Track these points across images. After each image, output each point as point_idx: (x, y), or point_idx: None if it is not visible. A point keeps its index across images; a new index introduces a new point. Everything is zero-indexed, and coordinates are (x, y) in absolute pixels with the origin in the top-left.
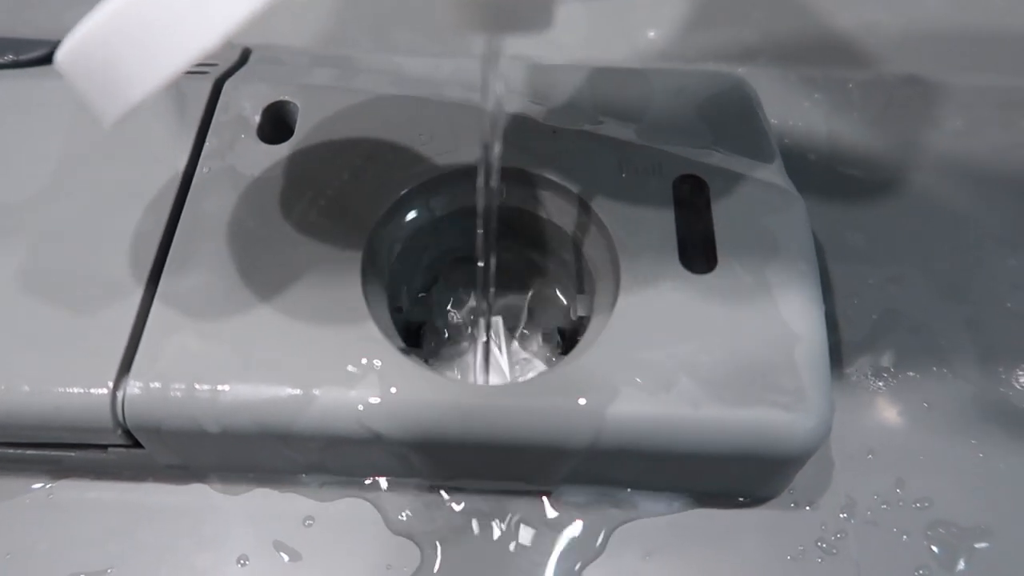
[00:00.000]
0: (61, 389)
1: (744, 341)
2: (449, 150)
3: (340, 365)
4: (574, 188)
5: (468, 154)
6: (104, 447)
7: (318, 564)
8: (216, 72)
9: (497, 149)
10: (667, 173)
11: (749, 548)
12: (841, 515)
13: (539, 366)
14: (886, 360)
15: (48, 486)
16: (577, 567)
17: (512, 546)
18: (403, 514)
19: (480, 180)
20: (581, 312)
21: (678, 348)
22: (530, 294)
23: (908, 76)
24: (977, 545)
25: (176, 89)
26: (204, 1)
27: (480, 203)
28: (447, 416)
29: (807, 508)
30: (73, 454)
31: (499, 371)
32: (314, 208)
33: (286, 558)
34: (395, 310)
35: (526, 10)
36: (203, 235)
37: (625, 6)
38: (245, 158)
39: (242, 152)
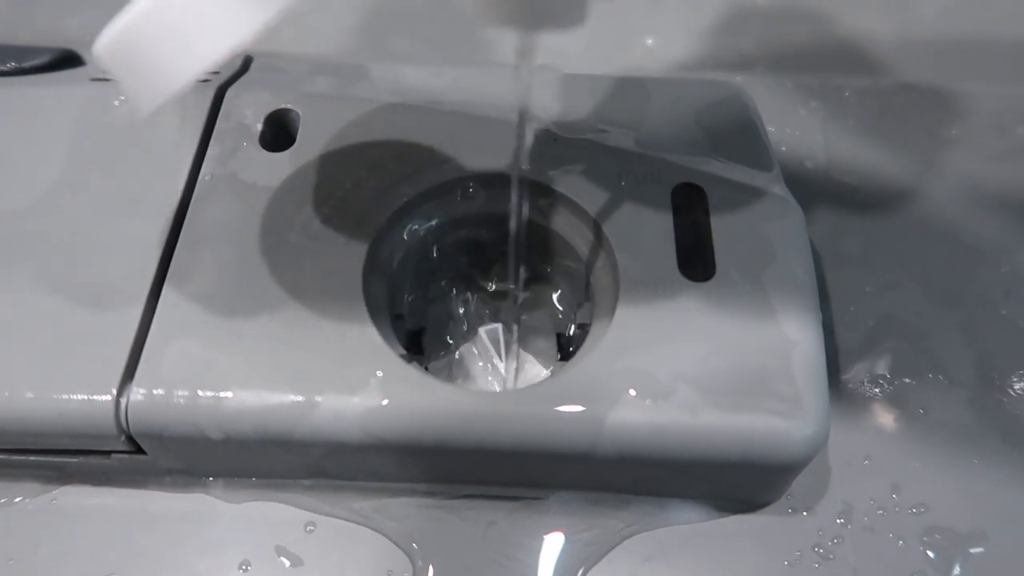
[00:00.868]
0: (65, 396)
1: (742, 348)
2: (450, 159)
3: (342, 372)
4: (574, 196)
5: (469, 162)
6: (107, 453)
7: (319, 570)
8: (218, 80)
9: (527, 146)
10: (666, 181)
11: (747, 554)
12: (838, 521)
13: (539, 373)
14: (882, 367)
15: (51, 492)
16: (578, 572)
17: (511, 552)
18: (403, 520)
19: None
20: (581, 319)
21: (677, 356)
22: (530, 302)
23: (904, 84)
24: (972, 550)
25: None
26: None
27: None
28: (447, 423)
29: (804, 514)
30: (76, 460)
31: (499, 378)
32: (316, 216)
33: (288, 564)
34: (396, 317)
35: (560, 6)
36: (206, 242)
37: (623, 14)
38: (247, 166)
39: (244, 160)
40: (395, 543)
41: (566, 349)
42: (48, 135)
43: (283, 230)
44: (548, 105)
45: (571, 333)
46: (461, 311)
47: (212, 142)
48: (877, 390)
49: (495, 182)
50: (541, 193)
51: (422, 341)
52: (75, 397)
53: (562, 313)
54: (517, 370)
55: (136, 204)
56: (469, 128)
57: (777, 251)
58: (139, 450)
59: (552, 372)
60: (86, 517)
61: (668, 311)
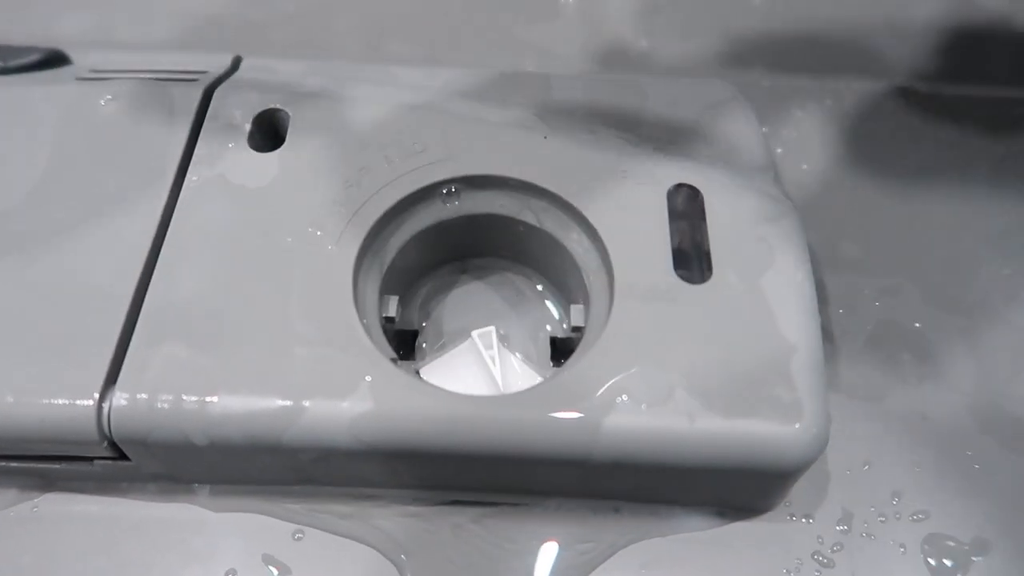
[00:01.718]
0: (45, 400)
1: (740, 352)
2: (442, 160)
3: (331, 376)
4: (567, 197)
5: (461, 164)
6: (90, 460)
7: None
8: (206, 79)
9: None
10: (662, 182)
11: (746, 562)
12: (838, 528)
13: (532, 376)
14: (882, 372)
15: (33, 499)
16: None
17: (503, 561)
18: (394, 527)
19: None
20: (575, 322)
21: (673, 360)
22: (523, 304)
23: (901, 85)
24: (975, 558)
25: (166, 96)
26: None
27: None
28: (438, 428)
29: (804, 521)
30: (58, 466)
31: (491, 382)
32: (306, 218)
33: (276, 572)
34: (386, 320)
35: None
36: (192, 244)
37: (618, 16)
38: (235, 166)
39: (232, 160)
40: (383, 553)
41: (560, 353)
42: (33, 134)
43: (271, 232)
44: (541, 106)
45: (565, 336)
46: (453, 313)
47: (200, 142)
48: (876, 396)
49: (487, 183)
50: (534, 194)
51: (413, 344)
52: (56, 402)
53: (556, 316)
54: (510, 374)
55: (121, 205)
56: (462, 129)
57: (775, 253)
58: (123, 456)
59: (545, 376)
60: (69, 525)
61: (664, 314)
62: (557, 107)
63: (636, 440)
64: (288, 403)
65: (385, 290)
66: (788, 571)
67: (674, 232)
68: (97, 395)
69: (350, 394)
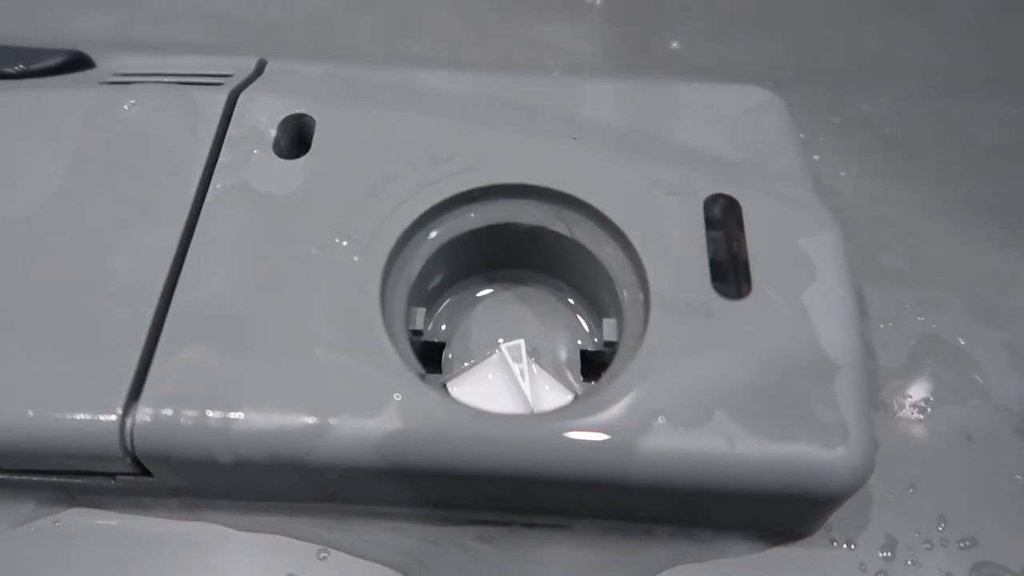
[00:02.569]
0: (68, 415)
1: (781, 372)
2: (471, 168)
3: (358, 393)
4: (601, 207)
5: (490, 173)
6: (112, 475)
7: None
8: (231, 84)
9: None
10: (698, 192)
11: None
12: (881, 555)
13: (562, 391)
14: (925, 389)
15: (54, 514)
16: None
17: None
18: (422, 547)
19: None
20: (608, 337)
21: (712, 379)
22: (554, 317)
23: (944, 91)
24: None
25: (190, 101)
26: None
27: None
28: (468, 449)
29: (845, 547)
30: (80, 481)
31: (520, 397)
32: (331, 227)
33: None
34: (414, 333)
35: None
36: (217, 254)
37: (646, 16)
38: (260, 173)
39: (257, 167)
40: (412, 571)
41: (590, 367)
42: (56, 139)
43: (297, 242)
44: (572, 111)
45: (596, 350)
46: (480, 325)
47: (224, 149)
48: (919, 414)
49: (517, 192)
50: (566, 204)
51: (440, 357)
52: (78, 417)
53: (587, 329)
54: (539, 388)
55: (145, 213)
56: (490, 135)
57: (816, 268)
58: (145, 472)
59: (576, 391)
60: (90, 540)
61: (702, 331)
62: (588, 112)
63: (674, 464)
64: (315, 421)
65: (412, 302)
66: None
67: (711, 244)
68: (120, 410)
69: (378, 412)
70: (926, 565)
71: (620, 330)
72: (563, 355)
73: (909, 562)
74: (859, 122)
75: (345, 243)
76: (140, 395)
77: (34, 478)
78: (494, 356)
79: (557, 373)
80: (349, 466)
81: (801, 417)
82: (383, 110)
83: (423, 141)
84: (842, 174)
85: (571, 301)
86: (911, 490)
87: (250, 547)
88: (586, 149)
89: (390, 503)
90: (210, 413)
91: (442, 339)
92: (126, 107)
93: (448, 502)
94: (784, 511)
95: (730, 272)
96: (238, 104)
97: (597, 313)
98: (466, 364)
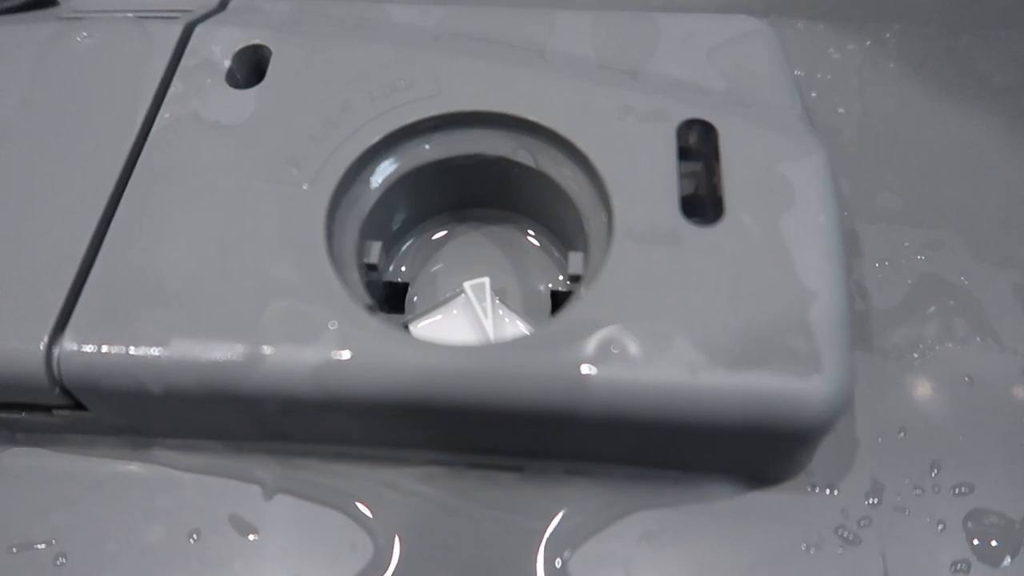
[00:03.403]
0: None
1: (751, 300)
2: (431, 95)
3: (295, 322)
4: (566, 134)
5: (451, 100)
6: (48, 409)
7: (276, 541)
8: (188, 17)
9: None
10: (671, 117)
11: (759, 535)
12: (866, 500)
13: (525, 330)
14: (922, 329)
15: None
16: (564, 553)
17: (486, 529)
18: (367, 488)
19: None
20: (572, 270)
21: (674, 307)
22: (520, 253)
23: (950, 26)
24: None
25: (144, 33)
26: None
27: None
28: (410, 378)
29: (827, 492)
30: (19, 416)
31: (483, 336)
32: (281, 157)
33: (242, 533)
34: (368, 268)
35: None
36: (157, 185)
37: None
38: (211, 104)
39: (208, 97)
40: (354, 519)
41: (560, 306)
42: (10, 74)
43: (244, 172)
44: (544, 43)
45: (566, 290)
46: (446, 266)
47: (175, 80)
48: (915, 355)
49: (478, 120)
50: (529, 132)
51: (404, 299)
52: (5, 345)
53: (557, 269)
54: (504, 328)
55: (88, 144)
56: (452, 64)
57: (796, 193)
58: (80, 406)
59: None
60: (31, 479)
61: (667, 258)
62: (560, 44)
63: (629, 394)
64: (249, 349)
65: (367, 236)
66: (808, 547)
67: (685, 173)
68: (47, 338)
69: (314, 341)
70: (916, 512)
71: (585, 263)
72: (533, 296)
73: (897, 509)
74: (860, 58)
75: (295, 171)
76: (67, 324)
77: None
78: (459, 296)
79: (526, 314)
80: (284, 396)
81: (771, 345)
82: (343, 41)
83: (383, 72)
84: (840, 111)
85: (539, 238)
86: (902, 434)
87: (193, 487)
88: (554, 78)
89: (335, 442)
90: (139, 341)
91: (406, 280)
92: (79, 39)
93: (393, 440)
94: (756, 450)
95: (704, 199)
96: (193, 36)
97: (565, 249)
98: (427, 303)
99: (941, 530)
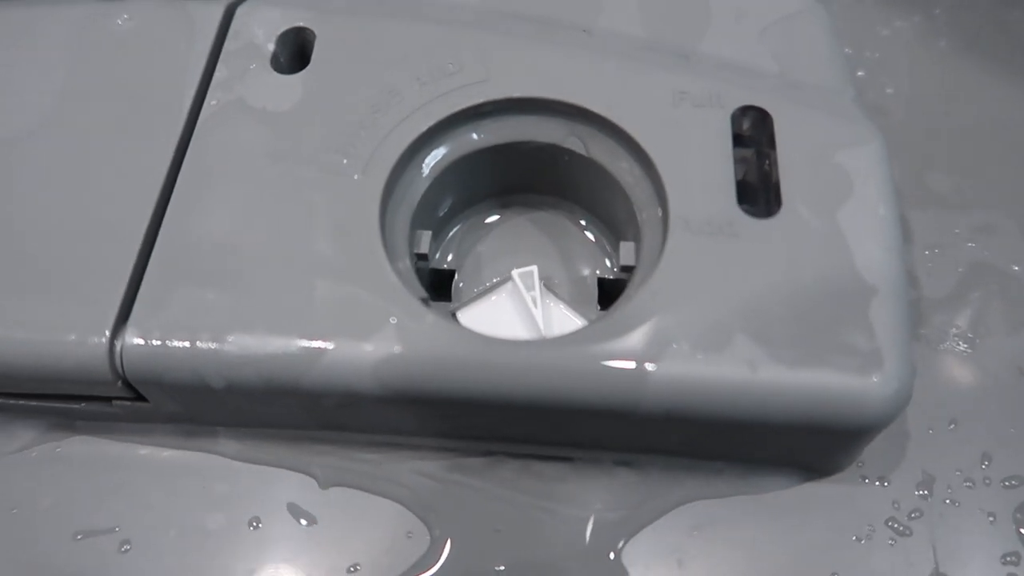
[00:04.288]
0: (58, 337)
1: (811, 295)
2: (480, 80)
3: (354, 316)
4: (618, 121)
5: (501, 86)
6: (108, 400)
7: (334, 529)
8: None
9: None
10: (726, 104)
11: (810, 526)
12: (917, 493)
13: (577, 320)
14: (973, 320)
15: (56, 440)
16: (617, 543)
17: (542, 517)
18: (425, 481)
19: None
20: (624, 261)
21: (734, 302)
22: (570, 242)
23: (1001, 3)
24: None
25: (185, 15)
26: None
27: None
28: (469, 374)
29: (878, 483)
30: (79, 406)
31: (533, 325)
32: (330, 145)
33: (302, 522)
34: (418, 257)
35: None
36: (210, 174)
37: None
38: (257, 90)
39: (253, 83)
40: (411, 509)
41: (608, 296)
42: (46, 58)
43: (294, 160)
44: (591, 22)
45: (615, 278)
46: (493, 252)
47: (219, 64)
48: (966, 346)
49: (529, 107)
50: (580, 118)
51: (450, 285)
52: (68, 339)
53: (605, 256)
54: (553, 317)
55: (136, 132)
56: (500, 47)
57: (854, 183)
58: (140, 397)
59: (591, 321)
60: (92, 467)
61: (725, 251)
62: (607, 22)
63: (689, 391)
64: (308, 344)
65: (417, 225)
66: (858, 539)
67: (740, 160)
68: (109, 332)
69: (374, 335)
70: (966, 504)
71: (638, 254)
72: (579, 283)
73: (947, 501)
74: (910, 35)
75: (345, 161)
76: (129, 317)
77: (33, 403)
78: (506, 284)
79: (573, 302)
80: (344, 391)
81: (832, 343)
82: (388, 22)
83: (430, 54)
84: (889, 91)
85: (588, 226)
86: (952, 426)
87: (251, 476)
88: (604, 60)
89: (393, 432)
90: (201, 335)
91: (452, 267)
92: (119, 22)
93: (452, 432)
94: (812, 444)
95: (760, 189)
96: (235, 18)
97: (615, 238)
98: (476, 292)
99: (991, 522)
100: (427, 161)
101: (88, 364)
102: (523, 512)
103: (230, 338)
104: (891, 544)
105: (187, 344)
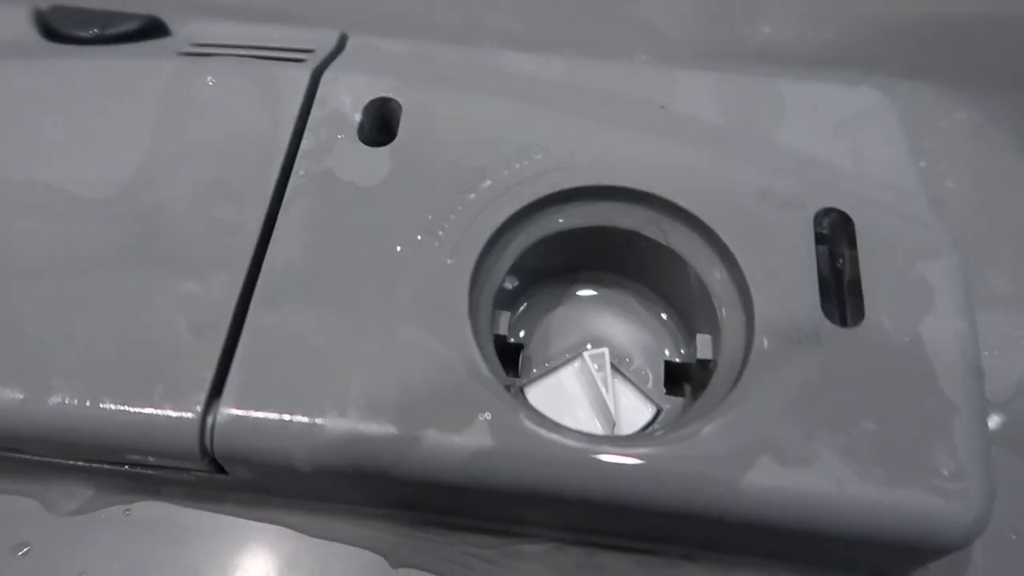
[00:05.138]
0: (147, 411)
1: (896, 410)
2: (564, 166)
3: (446, 406)
4: (703, 216)
5: (585, 172)
6: (186, 470)
7: None
8: (313, 61)
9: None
10: (807, 204)
11: None
12: None
13: (646, 404)
14: None
15: (126, 504)
16: None
17: None
18: (501, 567)
19: None
20: (702, 355)
21: (821, 414)
22: (641, 326)
23: None
24: None
25: (271, 79)
26: None
27: None
28: (557, 472)
29: None
30: (152, 472)
31: (602, 407)
32: (419, 224)
33: None
34: (496, 337)
35: None
36: (299, 248)
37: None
38: (345, 162)
39: (341, 154)
40: None
41: (674, 379)
42: (135, 112)
43: (383, 239)
44: (669, 105)
45: (686, 364)
46: (561, 327)
47: (307, 132)
48: None
49: (612, 194)
50: (663, 209)
51: (518, 357)
52: (158, 413)
53: (673, 340)
54: (622, 399)
55: (225, 200)
56: (584, 129)
57: (935, 296)
58: (220, 470)
59: (660, 405)
60: (159, 532)
61: (810, 360)
62: (685, 107)
63: (777, 504)
64: (400, 432)
65: (497, 305)
66: None
67: (821, 264)
68: (200, 408)
69: (466, 429)
70: None
71: (716, 348)
72: (646, 364)
73: None
74: (970, 127)
75: (436, 244)
76: (221, 393)
77: (107, 467)
78: (576, 362)
79: (639, 383)
80: (433, 482)
81: (916, 462)
82: (471, 96)
83: (516, 134)
84: (949, 184)
85: (657, 308)
86: (1015, 536)
87: (321, 550)
88: (686, 148)
89: (469, 516)
90: (291, 417)
91: (520, 340)
92: (208, 82)
93: (530, 520)
94: (886, 557)
95: (842, 296)
96: (321, 84)
97: (685, 324)
98: (545, 368)
99: None
100: (511, 243)
101: (177, 440)
102: None
103: (320, 421)
104: None
105: (278, 426)
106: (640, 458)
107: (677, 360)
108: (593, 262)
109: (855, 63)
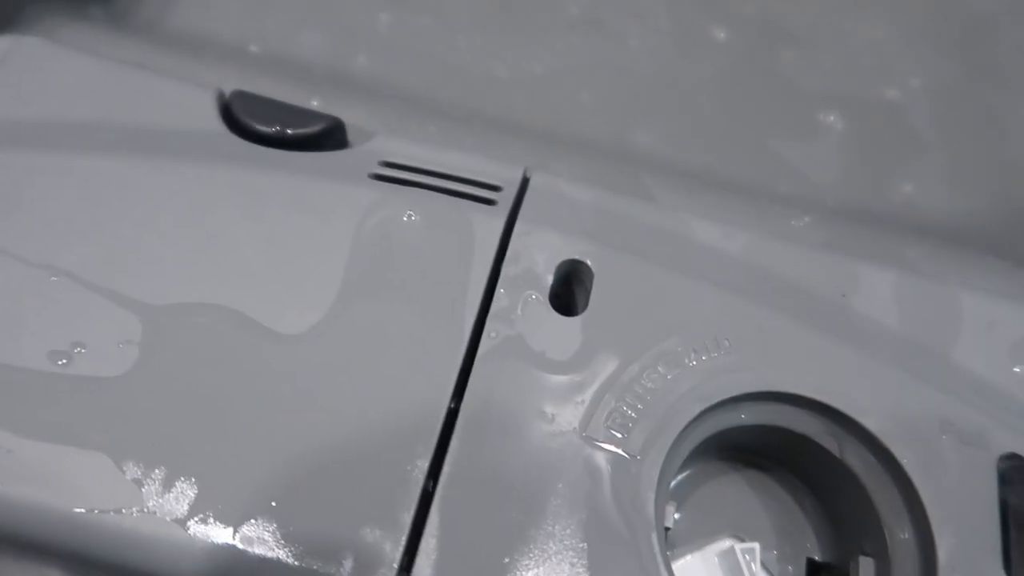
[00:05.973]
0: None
1: None
2: (749, 367)
3: None
4: (884, 439)
5: (770, 376)
6: None
7: None
8: (505, 205)
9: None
10: (991, 447)
11: None
12: None
13: None
14: None
15: None
16: None
17: None
18: None
19: None
20: None
21: None
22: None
23: None
24: None
25: (467, 223)
26: None
27: None
28: None
29: None
30: None
31: None
32: (609, 418)
33: None
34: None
35: None
36: (490, 418)
37: (883, 148)
38: (537, 328)
39: (533, 319)
40: None
41: None
42: (331, 240)
43: (573, 429)
44: (848, 300)
45: (823, 562)
46: (709, 507)
47: (499, 288)
48: None
49: (793, 400)
50: (842, 423)
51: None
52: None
53: (817, 540)
54: None
55: (418, 346)
56: (769, 327)
57: None
58: None
59: None
60: None
61: None
62: (863, 305)
63: None
64: None
65: (669, 498)
66: None
67: (1003, 514)
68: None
69: None
70: None
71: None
72: (790, 560)
73: None
74: None
75: (621, 436)
76: (413, 566)
77: None
78: (724, 548)
79: None
80: None
81: None
82: (663, 272)
83: (705, 320)
84: None
85: (808, 506)
86: None
87: None
88: (867, 359)
89: None
90: None
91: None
92: (406, 218)
93: None
94: None
95: (1019, 548)
96: (514, 236)
97: (838, 532)
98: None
99: None
100: (689, 436)
101: None
102: None
103: None
104: None
105: None
106: None
107: (817, 558)
108: (758, 451)
109: (993, 239)
